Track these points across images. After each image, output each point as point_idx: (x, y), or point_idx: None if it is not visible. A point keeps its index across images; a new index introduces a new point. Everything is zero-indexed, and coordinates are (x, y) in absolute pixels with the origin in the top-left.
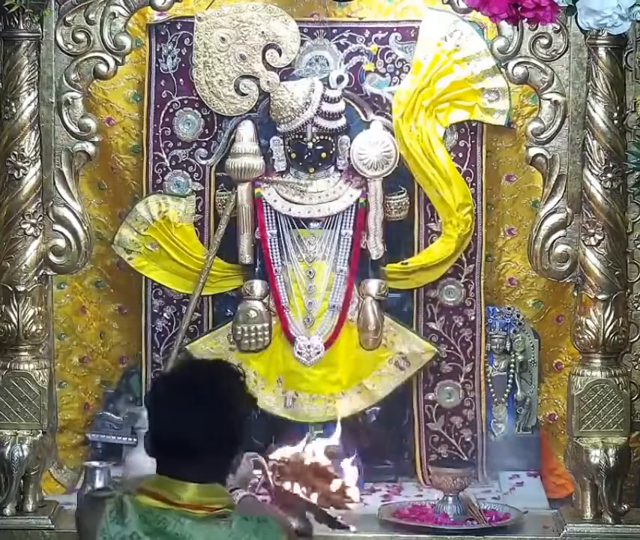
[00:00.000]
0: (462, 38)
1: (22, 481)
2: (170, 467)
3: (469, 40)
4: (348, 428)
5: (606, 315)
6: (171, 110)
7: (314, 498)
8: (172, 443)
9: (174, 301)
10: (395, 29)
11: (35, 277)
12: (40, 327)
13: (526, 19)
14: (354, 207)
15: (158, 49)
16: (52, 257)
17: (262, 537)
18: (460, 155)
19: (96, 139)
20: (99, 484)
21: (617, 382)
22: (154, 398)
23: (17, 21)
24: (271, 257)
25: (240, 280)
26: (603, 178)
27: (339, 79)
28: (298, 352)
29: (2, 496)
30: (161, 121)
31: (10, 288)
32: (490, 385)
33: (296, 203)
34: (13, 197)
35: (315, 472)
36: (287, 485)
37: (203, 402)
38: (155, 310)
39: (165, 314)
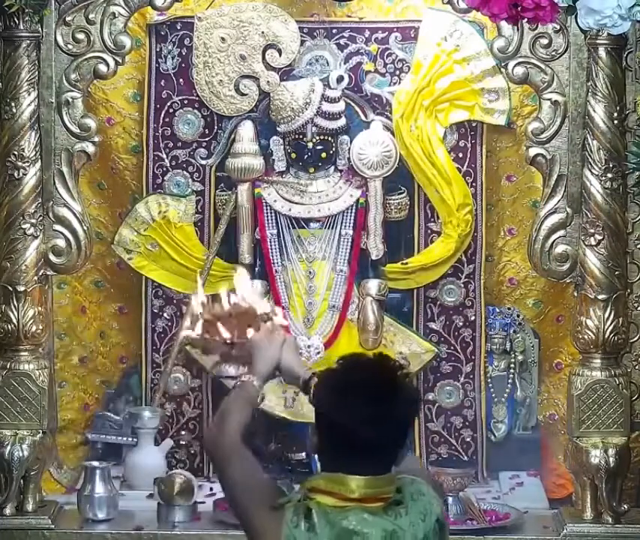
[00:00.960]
0: (462, 38)
1: (22, 481)
2: (342, 464)
3: (469, 40)
4: None
5: (606, 315)
6: (171, 110)
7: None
8: (345, 440)
9: (174, 301)
10: (395, 29)
11: (35, 277)
12: (40, 327)
13: (526, 19)
14: (354, 207)
15: (158, 49)
16: (52, 257)
17: (430, 511)
18: (460, 155)
19: (96, 139)
20: (99, 484)
21: (617, 382)
22: (322, 394)
23: (17, 21)
24: (271, 257)
25: None
26: (603, 178)
27: (339, 79)
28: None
29: (2, 496)
30: (161, 121)
31: (10, 288)
32: (490, 385)
33: (296, 203)
34: (13, 197)
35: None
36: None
37: (379, 400)
38: (155, 310)
39: (165, 314)
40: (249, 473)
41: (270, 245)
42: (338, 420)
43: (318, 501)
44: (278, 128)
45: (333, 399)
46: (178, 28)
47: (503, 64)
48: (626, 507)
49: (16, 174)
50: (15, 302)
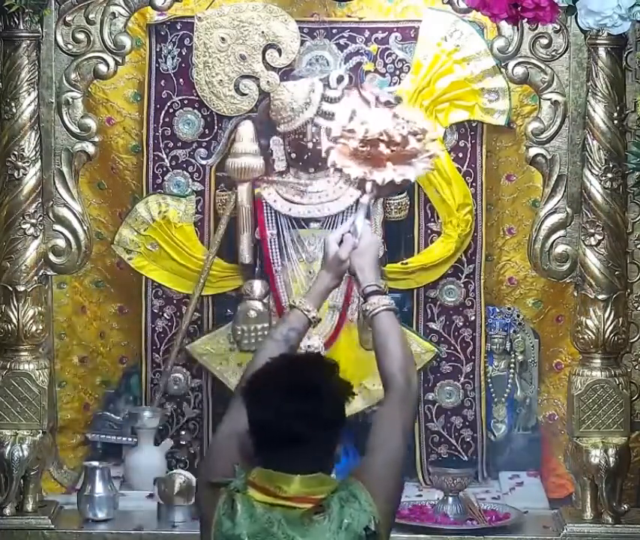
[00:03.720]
0: (462, 38)
1: (22, 481)
2: (275, 461)
3: (469, 40)
4: (347, 428)
5: (606, 315)
6: (171, 110)
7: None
8: (272, 436)
9: (174, 301)
10: (395, 29)
11: (35, 277)
12: (40, 327)
13: (526, 19)
14: (354, 207)
15: (158, 49)
16: (52, 257)
17: (357, 520)
18: (460, 155)
19: (96, 139)
20: (99, 484)
21: (617, 382)
22: (254, 394)
23: (17, 21)
24: (271, 257)
25: (240, 280)
26: (603, 178)
27: (339, 79)
28: None
29: (2, 496)
30: (161, 121)
31: (10, 288)
32: (490, 385)
33: (296, 203)
34: (13, 197)
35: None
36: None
37: (305, 394)
38: (155, 310)
39: (165, 314)
40: (226, 431)
41: (270, 245)
42: (265, 416)
43: (247, 494)
44: (278, 128)
45: (261, 395)
46: (178, 28)
47: (503, 64)
48: (626, 507)
49: (16, 174)
50: (15, 302)
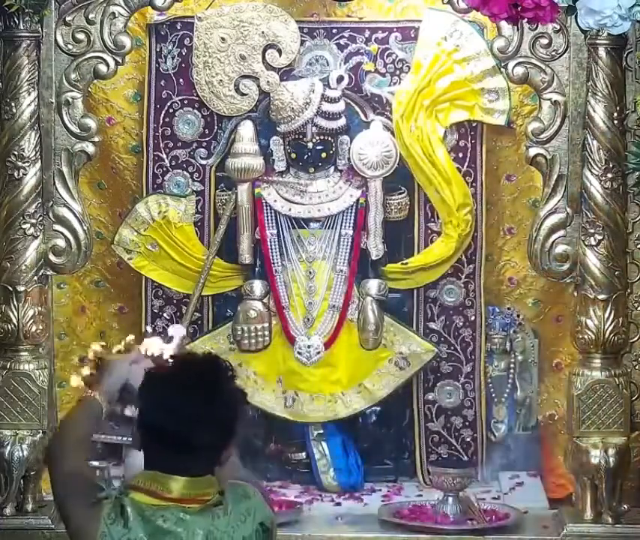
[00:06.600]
0: (462, 38)
1: (22, 481)
2: (161, 462)
3: (469, 40)
4: (348, 428)
5: (606, 315)
6: (171, 110)
7: None
8: (163, 438)
9: (174, 301)
10: (395, 29)
11: (35, 277)
12: (40, 327)
13: (526, 19)
14: (354, 207)
15: (158, 49)
16: (52, 257)
17: (254, 515)
18: (460, 155)
19: (96, 139)
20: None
21: (617, 382)
22: (144, 393)
23: (17, 21)
24: (271, 257)
25: (240, 280)
26: (603, 178)
27: (339, 79)
28: (298, 352)
29: (2, 496)
30: (161, 121)
31: (10, 288)
32: (490, 385)
33: (296, 203)
34: (13, 197)
35: None
36: None
37: (194, 396)
38: (155, 310)
39: (165, 314)
40: (69, 471)
41: (270, 245)
42: (157, 419)
43: (133, 498)
44: (278, 128)
45: (154, 398)
46: (178, 28)
47: (503, 64)
48: (626, 507)
49: (16, 174)
50: (15, 302)
